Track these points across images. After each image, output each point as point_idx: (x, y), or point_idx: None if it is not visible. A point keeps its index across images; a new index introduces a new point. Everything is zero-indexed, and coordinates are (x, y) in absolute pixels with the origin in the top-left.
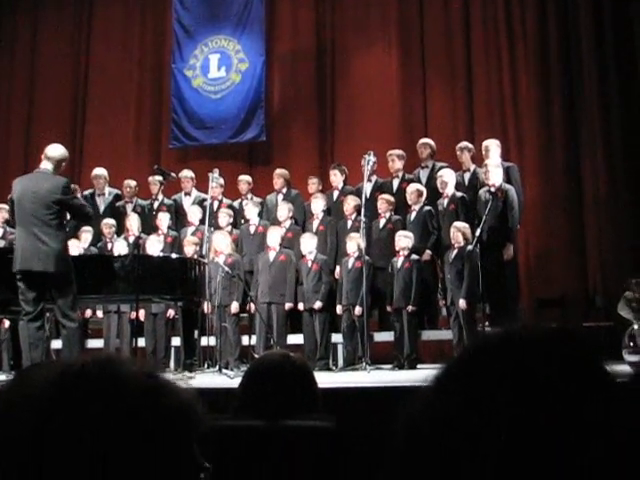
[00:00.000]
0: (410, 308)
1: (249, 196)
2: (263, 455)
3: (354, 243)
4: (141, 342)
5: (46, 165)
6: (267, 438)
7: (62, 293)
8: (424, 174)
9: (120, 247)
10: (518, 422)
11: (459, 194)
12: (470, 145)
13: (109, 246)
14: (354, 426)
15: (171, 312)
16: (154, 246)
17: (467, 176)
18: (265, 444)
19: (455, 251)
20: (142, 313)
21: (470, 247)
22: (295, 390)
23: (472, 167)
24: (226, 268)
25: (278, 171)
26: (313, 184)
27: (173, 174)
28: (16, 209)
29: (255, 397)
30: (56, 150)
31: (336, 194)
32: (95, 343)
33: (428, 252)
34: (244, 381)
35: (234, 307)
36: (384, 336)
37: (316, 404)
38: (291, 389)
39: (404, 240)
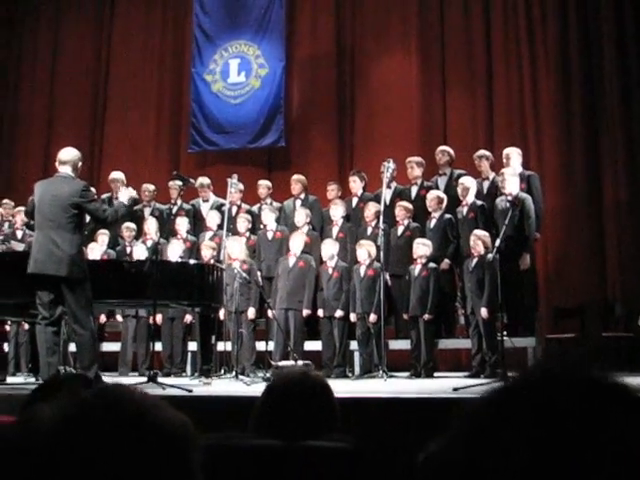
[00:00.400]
0: (426, 316)
1: (268, 201)
2: (280, 476)
3: (364, 250)
4: (158, 346)
5: (65, 169)
6: (285, 458)
7: (75, 299)
8: (442, 181)
9: (139, 251)
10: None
11: (479, 202)
12: (488, 153)
13: (128, 250)
14: (372, 439)
15: (188, 317)
16: (174, 250)
17: (486, 184)
18: (283, 465)
19: (475, 260)
20: (159, 317)
21: (490, 256)
22: (314, 409)
23: (491, 175)
24: (244, 274)
25: (296, 177)
26: (332, 190)
27: (192, 180)
28: (35, 212)
29: (273, 416)
30: (69, 153)
31: (355, 201)
32: (112, 347)
33: (447, 261)
34: (262, 399)
35: (251, 313)
36: (400, 344)
37: (335, 424)
38: (310, 408)
39: (422, 248)
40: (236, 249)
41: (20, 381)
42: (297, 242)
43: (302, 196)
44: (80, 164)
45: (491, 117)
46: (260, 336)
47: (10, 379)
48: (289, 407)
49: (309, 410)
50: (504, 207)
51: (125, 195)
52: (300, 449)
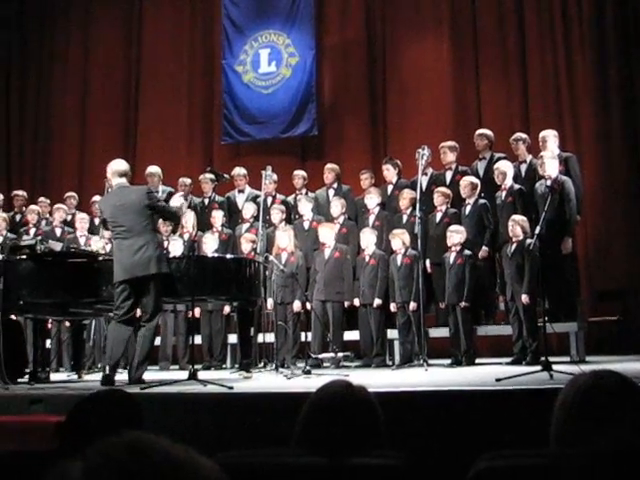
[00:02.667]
0: (463, 304)
1: (303, 191)
2: None
3: (398, 240)
4: (197, 339)
5: (120, 180)
6: (329, 477)
7: (155, 295)
8: (482, 166)
9: (176, 245)
10: None
11: (517, 186)
12: (525, 136)
13: (165, 244)
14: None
15: (227, 308)
16: (210, 244)
17: (524, 168)
18: None
19: (514, 245)
20: (197, 311)
21: (529, 241)
22: (358, 424)
23: (528, 158)
24: (281, 266)
25: (329, 166)
26: (365, 179)
27: (226, 175)
28: (111, 227)
29: (316, 431)
30: (122, 164)
31: (390, 188)
32: None
33: (485, 249)
34: (305, 414)
35: (296, 306)
36: (441, 332)
37: (381, 439)
38: (354, 423)
39: (455, 236)
40: (284, 240)
41: (62, 378)
42: (327, 233)
43: (335, 185)
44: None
45: (526, 99)
46: (301, 328)
47: (53, 376)
48: (332, 422)
49: (353, 425)
50: (544, 191)
51: (177, 201)
52: (345, 466)
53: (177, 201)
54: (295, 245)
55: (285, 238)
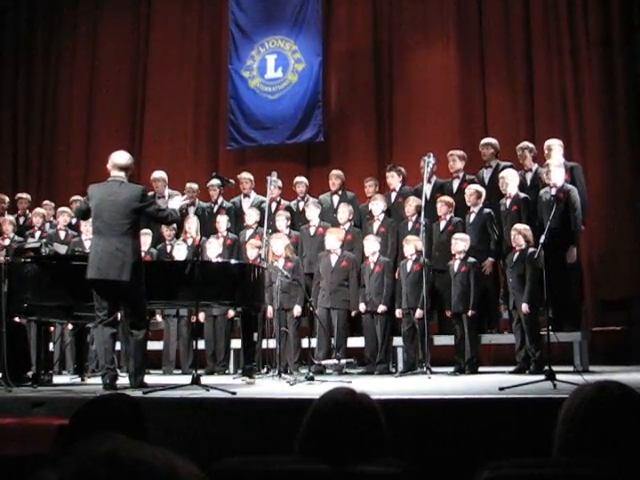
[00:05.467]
0: (470, 312)
1: (306, 197)
2: None
3: (411, 246)
4: (201, 344)
5: (118, 173)
6: None
7: (133, 302)
8: (487, 174)
9: (180, 250)
10: None
11: (522, 195)
12: (531, 145)
13: (169, 249)
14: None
15: (231, 312)
16: (214, 249)
17: (529, 176)
18: None
19: (516, 254)
20: (202, 315)
21: (532, 250)
22: (361, 431)
23: (534, 167)
24: (285, 272)
25: (335, 172)
26: (370, 186)
27: (232, 180)
28: (93, 218)
29: (319, 439)
30: (123, 157)
31: (394, 195)
32: (155, 345)
33: (490, 260)
34: (307, 420)
35: (296, 311)
36: (444, 339)
37: (384, 446)
38: (357, 431)
39: (460, 244)
40: (280, 246)
41: (65, 381)
42: (333, 240)
43: (340, 192)
44: (132, 168)
45: (532, 108)
46: (303, 334)
47: (56, 379)
48: (335, 429)
49: (356, 432)
50: (548, 199)
51: (177, 203)
52: (348, 474)
53: (176, 203)
54: (290, 251)
55: (279, 245)
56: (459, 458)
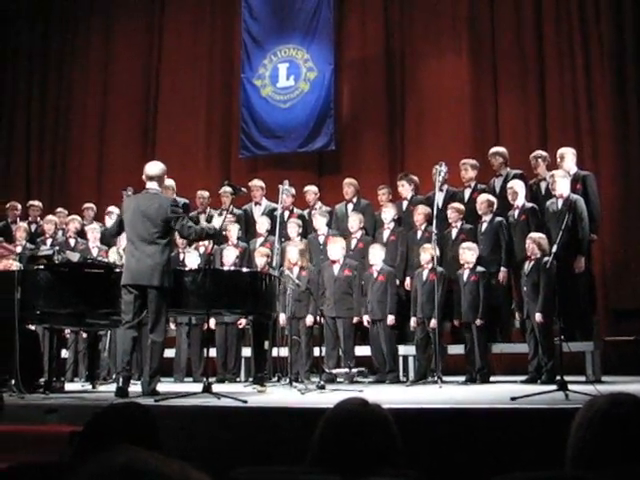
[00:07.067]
0: (479, 322)
1: (317, 206)
2: None
3: (428, 254)
4: (212, 352)
5: (152, 185)
6: None
7: (158, 307)
8: (498, 183)
9: (192, 258)
10: None
11: (529, 205)
12: (545, 154)
13: (181, 257)
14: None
15: (242, 320)
16: (228, 257)
17: (543, 185)
18: None
19: (531, 263)
20: (213, 323)
21: (546, 259)
22: (374, 442)
23: (548, 176)
24: (296, 281)
25: (348, 180)
26: (383, 194)
27: (244, 189)
28: (127, 228)
29: (331, 449)
30: (156, 167)
31: (405, 204)
32: (166, 353)
33: (503, 270)
34: (320, 431)
35: (309, 320)
36: (458, 348)
37: (397, 457)
38: (370, 441)
39: (468, 253)
40: (295, 255)
41: (77, 388)
42: (336, 249)
43: (354, 200)
44: (165, 176)
45: (544, 116)
46: (314, 342)
47: (68, 386)
48: (348, 440)
49: (369, 443)
50: (555, 210)
51: (219, 221)
52: None
53: (219, 222)
54: (306, 259)
55: (295, 253)
56: (470, 468)
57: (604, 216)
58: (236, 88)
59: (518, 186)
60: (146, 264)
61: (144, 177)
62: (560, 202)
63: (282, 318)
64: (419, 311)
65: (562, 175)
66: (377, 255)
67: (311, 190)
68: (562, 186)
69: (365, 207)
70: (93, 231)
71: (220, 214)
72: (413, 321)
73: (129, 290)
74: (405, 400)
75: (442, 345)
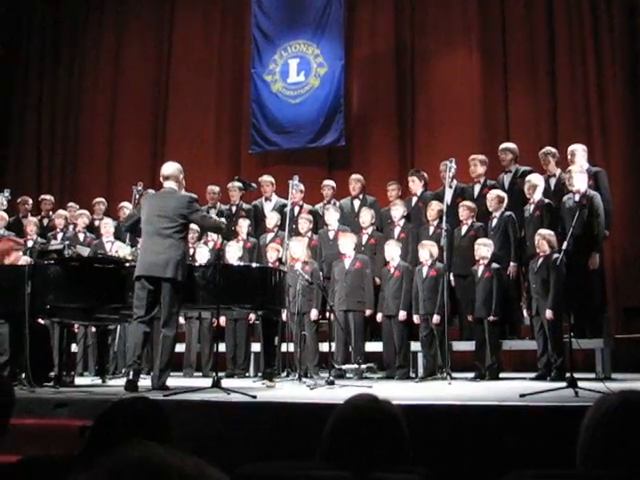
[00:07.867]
0: (491, 318)
1: (332, 201)
2: None
3: (426, 251)
4: (222, 347)
5: (169, 184)
6: None
7: (170, 301)
8: (507, 179)
9: (202, 252)
10: None
11: (546, 200)
12: (554, 150)
13: (191, 251)
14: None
15: (252, 316)
16: (233, 252)
17: (553, 182)
18: None
19: (540, 260)
20: (222, 319)
21: (556, 256)
22: (384, 439)
23: (557, 172)
24: (306, 276)
25: (355, 176)
26: (393, 190)
27: (254, 184)
28: (143, 224)
29: (341, 445)
30: (171, 167)
31: (415, 200)
32: (176, 347)
33: (513, 265)
34: (330, 427)
35: (313, 314)
36: (464, 345)
37: (406, 454)
38: (380, 437)
39: (483, 249)
40: (298, 250)
41: (87, 382)
42: (347, 243)
43: (361, 196)
44: (182, 175)
45: (555, 112)
46: (323, 337)
47: (78, 380)
48: (358, 436)
49: (379, 439)
50: (571, 205)
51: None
52: None
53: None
54: (308, 255)
55: (298, 248)
56: (479, 466)
57: (615, 211)
58: (246, 83)
59: (537, 180)
60: (161, 257)
61: (161, 178)
62: (577, 197)
63: (284, 314)
64: (421, 308)
65: (579, 170)
66: (393, 251)
67: (329, 185)
68: (579, 181)
69: (371, 203)
70: (106, 226)
71: (224, 214)
72: (416, 318)
73: (143, 284)
74: (414, 396)
75: (448, 342)
